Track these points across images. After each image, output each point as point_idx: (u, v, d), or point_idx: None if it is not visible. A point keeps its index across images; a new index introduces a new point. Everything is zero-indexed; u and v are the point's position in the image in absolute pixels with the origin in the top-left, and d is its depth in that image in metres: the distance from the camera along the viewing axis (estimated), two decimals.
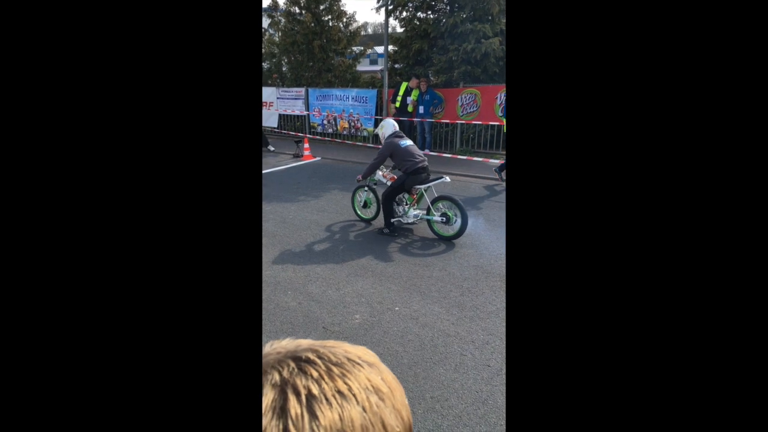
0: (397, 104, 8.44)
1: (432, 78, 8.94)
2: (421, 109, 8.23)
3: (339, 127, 9.70)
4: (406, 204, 4.41)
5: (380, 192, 4.56)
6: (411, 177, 4.17)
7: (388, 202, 4.30)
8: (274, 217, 4.94)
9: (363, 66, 12.95)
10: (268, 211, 5.18)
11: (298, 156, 8.38)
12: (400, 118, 8.48)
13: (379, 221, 4.68)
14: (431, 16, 9.03)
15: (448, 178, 4.27)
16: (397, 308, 3.02)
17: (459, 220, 4.03)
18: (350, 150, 8.92)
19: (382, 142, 4.45)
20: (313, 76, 10.56)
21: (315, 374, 0.33)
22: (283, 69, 11.64)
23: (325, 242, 4.25)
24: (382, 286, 3.34)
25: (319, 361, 0.34)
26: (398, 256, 3.90)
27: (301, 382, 0.32)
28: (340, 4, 10.46)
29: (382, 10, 9.13)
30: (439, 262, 3.76)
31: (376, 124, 9.12)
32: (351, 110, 9.41)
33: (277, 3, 11.39)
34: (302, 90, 10.08)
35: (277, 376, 0.33)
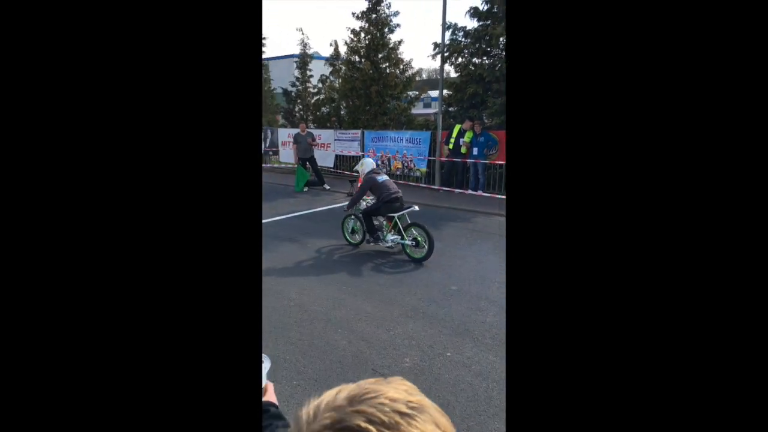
0: (451, 146, 8.52)
1: (486, 120, 8.97)
2: (474, 151, 8.24)
3: (392, 167, 9.90)
4: (384, 230, 5.10)
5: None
6: (386, 204, 4.91)
7: (368, 218, 5.10)
8: (328, 255, 5.03)
9: (417, 109, 13.31)
10: (321, 246, 5.30)
11: (351, 195, 8.61)
12: (454, 159, 8.54)
13: (365, 246, 5.28)
14: (486, 61, 9.20)
15: (416, 207, 5.02)
16: (448, 354, 2.90)
17: (427, 244, 4.71)
18: (403, 189, 8.96)
19: (361, 178, 5.22)
20: (369, 119, 10.97)
21: None
22: (342, 113, 12.24)
23: (376, 281, 4.24)
24: (434, 329, 3.24)
25: (373, 429, 0.31)
26: (450, 298, 3.80)
27: None
28: (398, 52, 10.97)
29: (438, 56, 9.45)
30: (493, 307, 3.61)
31: (429, 164, 9.21)
32: (405, 151, 9.61)
33: (338, 52, 12.16)
34: (358, 132, 10.48)
35: None
